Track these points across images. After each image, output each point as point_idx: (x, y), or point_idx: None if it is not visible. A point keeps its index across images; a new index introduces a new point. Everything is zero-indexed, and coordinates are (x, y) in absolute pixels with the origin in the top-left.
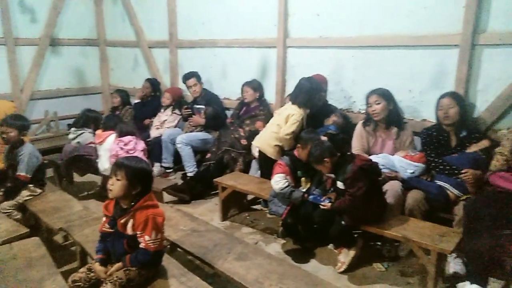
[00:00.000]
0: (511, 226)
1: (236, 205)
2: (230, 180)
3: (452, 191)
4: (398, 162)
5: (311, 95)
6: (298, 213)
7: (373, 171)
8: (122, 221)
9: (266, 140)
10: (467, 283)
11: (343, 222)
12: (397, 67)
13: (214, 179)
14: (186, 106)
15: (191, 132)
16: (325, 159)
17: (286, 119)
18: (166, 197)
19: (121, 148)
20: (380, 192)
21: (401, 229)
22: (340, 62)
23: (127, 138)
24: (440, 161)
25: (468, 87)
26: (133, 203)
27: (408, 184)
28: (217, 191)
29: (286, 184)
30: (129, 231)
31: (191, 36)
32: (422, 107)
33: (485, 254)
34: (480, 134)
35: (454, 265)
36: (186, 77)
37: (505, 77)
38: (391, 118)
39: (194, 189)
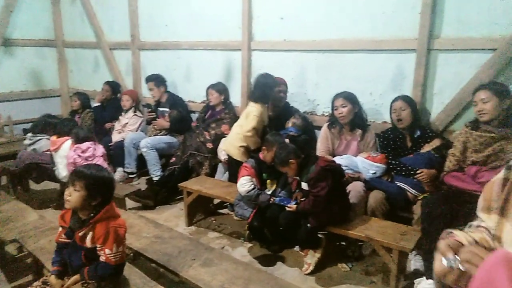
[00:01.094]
0: (464, 223)
1: (202, 209)
2: (196, 185)
3: (410, 191)
4: (361, 163)
5: (265, 89)
6: (264, 216)
7: (336, 171)
8: (81, 233)
9: (232, 142)
10: (423, 278)
11: (308, 225)
12: (359, 71)
13: (179, 184)
14: (149, 110)
15: (155, 135)
16: (290, 160)
17: (246, 118)
18: (129, 203)
19: (79, 156)
20: (344, 193)
21: (364, 229)
22: (303, 65)
23: (85, 144)
24: (397, 162)
25: (425, 90)
26: (92, 214)
27: (370, 185)
28: (182, 196)
29: (252, 186)
30: (88, 243)
31: (154, 38)
32: (382, 109)
33: None
34: (432, 134)
35: (415, 262)
36: (146, 80)
37: (458, 81)
38: (356, 120)
39: (159, 195)
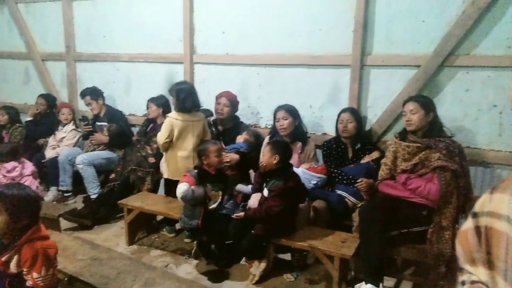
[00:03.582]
0: (397, 228)
1: (144, 227)
2: (137, 201)
3: (350, 199)
4: (303, 174)
5: (178, 96)
6: (211, 230)
7: (299, 193)
8: (4, 258)
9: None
10: (362, 283)
11: (252, 231)
12: (299, 84)
13: (119, 201)
14: (86, 123)
15: (92, 151)
16: (276, 155)
17: None
18: (65, 224)
19: (4, 176)
20: (295, 210)
21: (307, 239)
22: (246, 79)
23: (11, 164)
24: (339, 171)
25: (360, 103)
26: (17, 237)
27: (312, 195)
28: (123, 214)
29: (186, 186)
30: (13, 269)
31: (92, 49)
32: (322, 121)
33: (377, 254)
34: (372, 146)
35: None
36: (81, 95)
37: (389, 94)
38: (296, 133)
39: (97, 213)
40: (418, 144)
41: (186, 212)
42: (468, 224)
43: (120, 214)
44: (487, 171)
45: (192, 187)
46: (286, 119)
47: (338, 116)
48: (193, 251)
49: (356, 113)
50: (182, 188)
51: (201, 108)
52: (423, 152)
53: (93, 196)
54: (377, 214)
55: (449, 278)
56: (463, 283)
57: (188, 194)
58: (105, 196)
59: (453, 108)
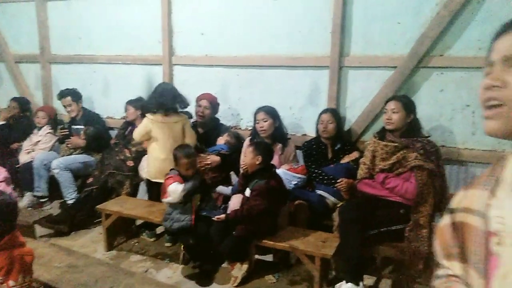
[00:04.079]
0: (376, 227)
1: (124, 232)
2: (115, 206)
3: (330, 199)
4: (283, 174)
5: (153, 99)
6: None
7: (282, 193)
8: None
9: (147, 166)
10: (343, 282)
11: (234, 233)
12: (279, 86)
13: (97, 206)
14: (62, 127)
15: (68, 155)
16: (259, 156)
17: None
18: (40, 230)
19: None
20: (277, 211)
21: (288, 239)
22: (226, 81)
23: None
24: (319, 171)
25: (338, 104)
26: None
27: (292, 195)
28: (101, 219)
29: (181, 185)
30: None
31: (67, 51)
32: (302, 122)
33: (357, 253)
34: (351, 147)
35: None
36: (61, 95)
37: (366, 95)
38: (276, 134)
39: (74, 219)
40: (396, 144)
41: (174, 214)
42: (445, 220)
43: (98, 219)
44: (462, 169)
45: (185, 184)
46: (266, 121)
47: (319, 117)
48: (181, 256)
49: (336, 114)
50: (179, 188)
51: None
52: (401, 152)
53: (70, 202)
54: (356, 213)
55: (426, 275)
56: (439, 277)
57: (189, 188)
58: (83, 201)
59: (429, 108)
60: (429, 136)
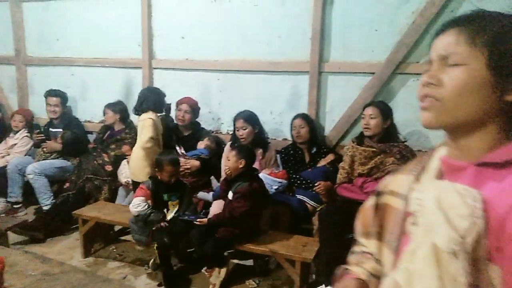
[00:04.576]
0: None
1: (101, 238)
2: (93, 211)
3: (310, 203)
4: (264, 179)
5: (153, 99)
6: (172, 234)
7: (264, 196)
8: None
9: (135, 165)
10: (323, 286)
11: (216, 235)
12: (259, 90)
13: (74, 211)
14: (38, 130)
15: (44, 159)
16: (242, 160)
17: (141, 131)
18: (14, 237)
19: None
20: (259, 214)
21: (269, 244)
22: (207, 85)
23: None
24: (298, 176)
25: (318, 109)
26: None
27: (273, 200)
28: (78, 225)
29: (146, 207)
30: None
31: (44, 53)
32: (282, 127)
33: (337, 257)
34: (327, 150)
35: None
36: (51, 94)
37: (346, 100)
38: (257, 139)
39: (49, 225)
40: (374, 149)
41: (136, 225)
42: (369, 202)
43: (75, 225)
44: None
45: (151, 211)
46: (245, 129)
47: (291, 122)
48: (151, 262)
49: (307, 118)
50: (140, 207)
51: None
52: (378, 157)
53: (45, 208)
54: (336, 217)
55: None
56: (354, 253)
57: (144, 215)
58: (59, 207)
59: (406, 113)
60: (405, 141)
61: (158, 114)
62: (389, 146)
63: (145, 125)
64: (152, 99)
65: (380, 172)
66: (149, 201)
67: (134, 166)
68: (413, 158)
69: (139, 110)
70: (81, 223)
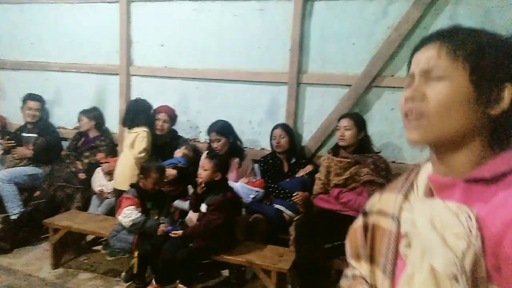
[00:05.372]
0: (331, 240)
1: (72, 248)
2: (65, 220)
3: (287, 213)
4: (241, 188)
5: (143, 114)
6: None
7: (237, 205)
8: None
9: (124, 176)
10: None
11: (191, 245)
12: (238, 100)
13: (44, 220)
14: (8, 137)
15: (13, 166)
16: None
17: (132, 145)
18: None
19: None
20: (233, 223)
21: (245, 254)
22: (186, 93)
23: None
24: (276, 186)
25: (296, 119)
26: None
27: (250, 209)
28: (48, 235)
29: (139, 214)
30: None
31: (17, 57)
32: (260, 137)
33: (313, 267)
34: (306, 160)
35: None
36: (31, 98)
37: (323, 111)
38: (233, 149)
39: (17, 235)
40: (349, 160)
41: (121, 234)
42: (358, 222)
43: (45, 235)
44: None
45: (146, 217)
46: (219, 141)
47: (271, 132)
48: (123, 274)
49: (288, 129)
50: (133, 215)
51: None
52: (353, 167)
53: (13, 216)
54: (312, 227)
55: None
56: (345, 276)
57: (140, 223)
58: (28, 216)
59: (381, 126)
60: (379, 152)
61: None
62: (363, 157)
63: (140, 136)
64: (145, 116)
65: (355, 182)
66: (140, 209)
67: (122, 175)
68: (387, 169)
69: (131, 125)
70: (52, 232)
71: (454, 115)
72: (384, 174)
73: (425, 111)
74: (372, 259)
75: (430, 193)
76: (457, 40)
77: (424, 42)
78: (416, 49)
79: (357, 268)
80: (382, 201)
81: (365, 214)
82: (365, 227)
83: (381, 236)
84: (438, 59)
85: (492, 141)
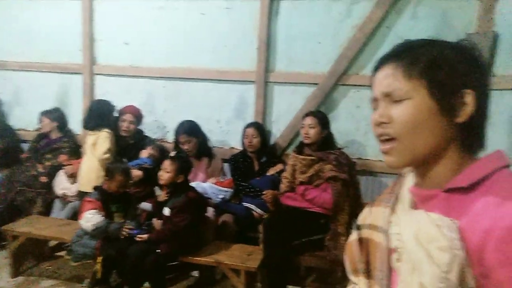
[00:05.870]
0: (299, 237)
1: (34, 255)
2: (24, 226)
3: (256, 211)
4: (210, 188)
5: (105, 116)
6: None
7: (202, 204)
8: None
9: (88, 178)
10: None
11: (158, 251)
12: (206, 99)
13: (2, 227)
14: None
15: None
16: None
17: (94, 146)
18: None
19: None
20: (200, 223)
21: (213, 254)
22: (152, 92)
23: None
24: (246, 184)
25: (265, 118)
26: None
27: (219, 209)
28: (6, 242)
29: (102, 218)
30: None
31: None
32: (229, 136)
33: (281, 264)
34: (276, 159)
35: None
36: None
37: (291, 110)
38: (201, 150)
39: None
40: (313, 157)
41: (84, 239)
42: (353, 236)
43: (4, 243)
44: (375, 180)
45: (108, 222)
46: (189, 142)
47: (244, 131)
48: (87, 281)
49: (260, 128)
50: (94, 219)
51: None
52: (317, 164)
53: None
54: (279, 225)
55: (346, 283)
56: None
57: (102, 227)
58: None
59: (347, 123)
60: (341, 148)
61: None
62: (326, 153)
63: (102, 137)
64: (106, 119)
65: (320, 179)
66: (103, 213)
67: (86, 177)
68: (350, 164)
69: (93, 127)
70: (11, 239)
71: (424, 133)
72: (347, 169)
73: (395, 133)
74: (369, 274)
75: (415, 204)
76: (410, 58)
77: (380, 64)
78: (376, 69)
79: (356, 283)
80: (372, 215)
81: (358, 227)
82: (360, 241)
83: (375, 250)
84: (395, 81)
85: (466, 148)
